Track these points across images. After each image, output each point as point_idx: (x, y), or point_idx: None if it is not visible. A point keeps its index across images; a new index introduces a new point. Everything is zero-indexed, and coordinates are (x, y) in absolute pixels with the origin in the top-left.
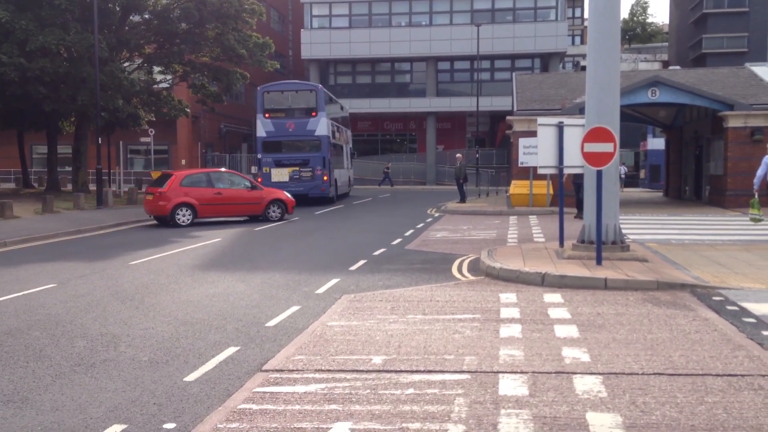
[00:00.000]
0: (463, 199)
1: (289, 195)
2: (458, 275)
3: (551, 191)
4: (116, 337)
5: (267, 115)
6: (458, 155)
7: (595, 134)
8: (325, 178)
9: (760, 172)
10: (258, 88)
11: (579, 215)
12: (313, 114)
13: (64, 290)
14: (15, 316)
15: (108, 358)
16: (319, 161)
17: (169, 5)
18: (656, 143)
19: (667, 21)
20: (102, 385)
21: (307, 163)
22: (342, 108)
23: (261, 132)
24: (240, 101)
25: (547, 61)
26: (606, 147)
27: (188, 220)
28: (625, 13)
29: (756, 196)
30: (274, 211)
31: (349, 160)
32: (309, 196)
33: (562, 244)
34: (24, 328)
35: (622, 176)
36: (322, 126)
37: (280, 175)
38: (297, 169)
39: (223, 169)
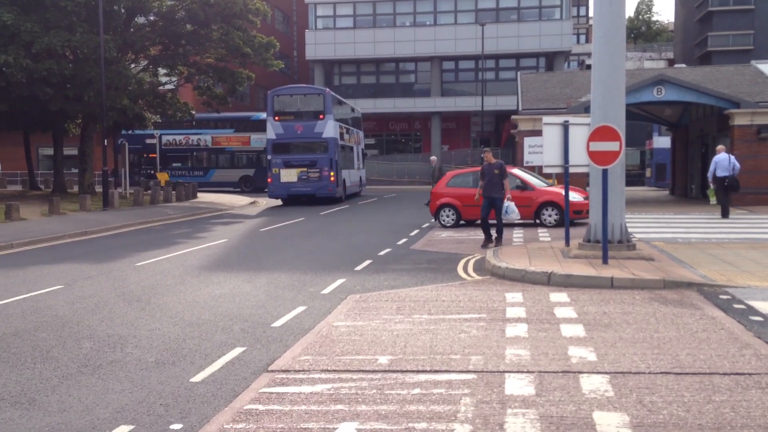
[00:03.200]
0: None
1: (574, 196)
2: (464, 275)
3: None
4: (123, 338)
5: (276, 118)
6: (432, 157)
7: (601, 133)
8: (332, 178)
9: (711, 167)
10: (268, 92)
11: (498, 241)
12: (321, 117)
13: (71, 291)
14: (22, 317)
15: (115, 359)
16: (326, 162)
17: (173, 7)
18: (662, 142)
19: (672, 19)
20: (109, 386)
21: (315, 164)
22: (353, 110)
23: (271, 134)
24: (245, 102)
25: (552, 60)
26: (612, 146)
27: (451, 221)
28: (630, 12)
29: (712, 187)
30: (549, 215)
31: (361, 160)
32: (316, 196)
33: (567, 243)
34: (31, 329)
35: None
36: (329, 128)
37: (289, 175)
38: (305, 169)
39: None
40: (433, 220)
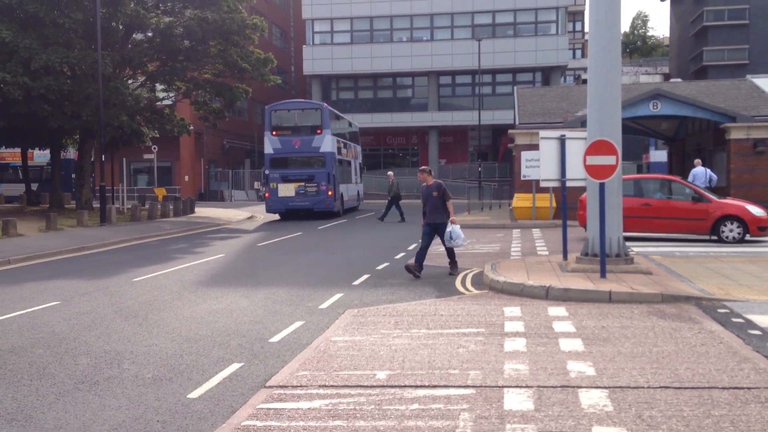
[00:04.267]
0: (401, 218)
1: (757, 210)
2: (462, 289)
3: (554, 204)
4: (120, 355)
5: (274, 133)
6: (390, 173)
7: (597, 147)
8: (330, 193)
9: (689, 180)
10: (266, 106)
11: (453, 267)
12: (318, 131)
13: (68, 308)
14: (19, 333)
15: (112, 375)
16: (324, 177)
17: (171, 23)
18: (659, 156)
19: (667, 34)
20: (106, 403)
21: (313, 178)
22: (350, 124)
23: (268, 149)
24: (242, 117)
25: (548, 74)
26: (608, 159)
27: None
28: (625, 27)
29: None
30: (730, 230)
31: (358, 174)
32: (314, 210)
33: (565, 257)
34: (27, 345)
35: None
36: (326, 143)
37: (287, 190)
38: (303, 184)
39: (667, 176)
40: None
